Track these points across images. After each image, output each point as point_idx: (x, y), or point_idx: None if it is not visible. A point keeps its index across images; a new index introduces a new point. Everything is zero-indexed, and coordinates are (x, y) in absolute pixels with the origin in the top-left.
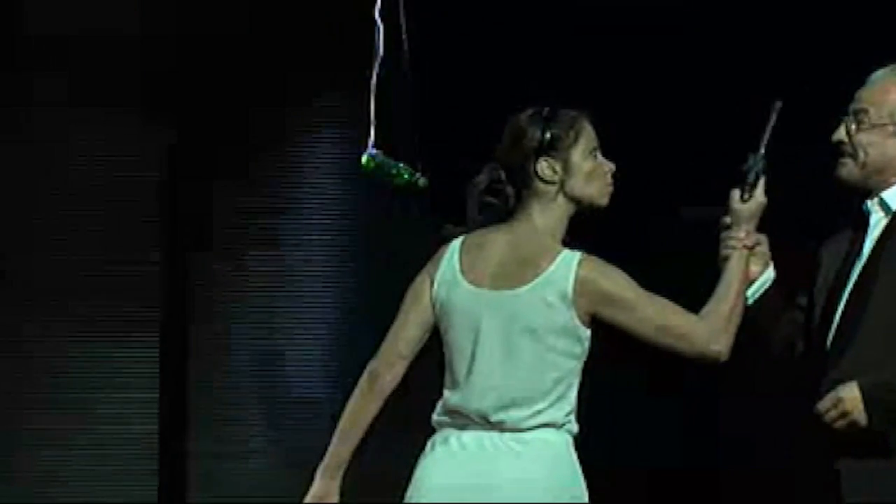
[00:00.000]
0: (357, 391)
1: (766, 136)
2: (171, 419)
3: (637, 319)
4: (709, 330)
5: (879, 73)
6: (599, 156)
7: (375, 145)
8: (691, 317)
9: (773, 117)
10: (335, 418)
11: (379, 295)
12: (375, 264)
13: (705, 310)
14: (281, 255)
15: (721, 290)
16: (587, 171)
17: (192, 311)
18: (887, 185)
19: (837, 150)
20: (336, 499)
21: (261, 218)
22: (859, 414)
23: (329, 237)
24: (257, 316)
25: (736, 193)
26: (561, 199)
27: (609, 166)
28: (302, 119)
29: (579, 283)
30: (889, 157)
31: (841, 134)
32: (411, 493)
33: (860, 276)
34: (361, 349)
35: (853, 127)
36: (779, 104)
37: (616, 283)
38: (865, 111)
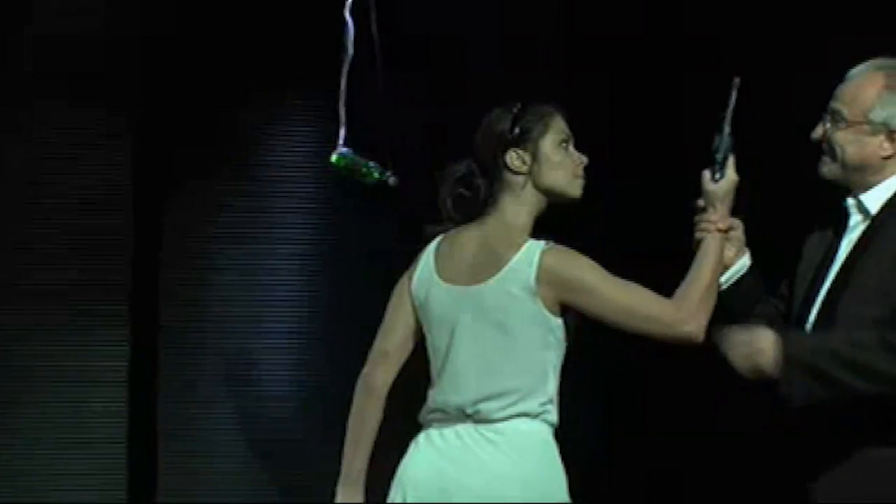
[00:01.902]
0: (354, 398)
1: (729, 114)
2: (141, 419)
3: (606, 305)
4: (681, 311)
5: (856, 71)
6: (571, 148)
7: (345, 144)
8: (662, 299)
9: (734, 94)
10: (307, 416)
11: (350, 292)
12: (346, 262)
13: (678, 291)
14: (251, 254)
15: (694, 271)
16: (556, 163)
17: (162, 309)
18: (867, 185)
19: (818, 148)
20: (361, 500)
21: (230, 216)
22: (767, 358)
23: (299, 235)
24: (227, 315)
25: (707, 174)
26: (530, 190)
27: (581, 159)
28: (272, 117)
29: (542, 272)
30: (866, 155)
31: (818, 132)
32: (395, 491)
33: (833, 281)
34: (332, 347)
35: (829, 125)
36: (738, 81)
37: (580, 269)
38: (841, 110)
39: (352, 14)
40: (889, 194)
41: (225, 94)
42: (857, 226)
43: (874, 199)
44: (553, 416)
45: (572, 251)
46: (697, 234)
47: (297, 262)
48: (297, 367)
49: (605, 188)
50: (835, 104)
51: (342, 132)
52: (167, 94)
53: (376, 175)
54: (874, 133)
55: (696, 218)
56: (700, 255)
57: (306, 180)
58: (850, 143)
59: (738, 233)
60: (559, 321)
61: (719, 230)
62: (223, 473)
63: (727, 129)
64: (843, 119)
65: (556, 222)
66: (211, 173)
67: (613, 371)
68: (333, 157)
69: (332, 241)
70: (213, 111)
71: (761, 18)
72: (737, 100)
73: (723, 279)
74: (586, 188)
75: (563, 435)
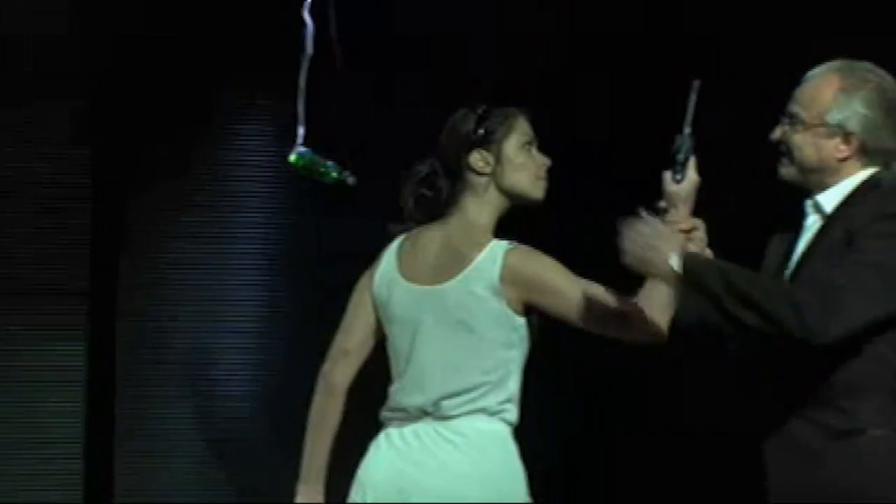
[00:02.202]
0: (314, 396)
1: (690, 115)
2: (98, 418)
3: (569, 305)
4: (645, 312)
5: (813, 73)
6: (534, 150)
7: (304, 143)
8: (626, 300)
9: (694, 96)
10: (265, 416)
11: (311, 291)
12: (307, 261)
13: (643, 292)
14: (211, 253)
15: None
16: (519, 164)
17: (120, 309)
18: (824, 186)
19: (777, 150)
20: (321, 499)
21: (191, 215)
22: (661, 259)
23: (259, 235)
24: (186, 313)
25: (668, 175)
26: (493, 191)
27: (544, 161)
28: (231, 117)
29: (506, 272)
30: (823, 157)
31: (777, 134)
32: (355, 491)
33: (790, 280)
34: (292, 346)
35: (787, 128)
36: (697, 82)
37: (545, 269)
38: (798, 112)
39: (311, 14)
40: (844, 194)
41: (186, 94)
42: (813, 225)
43: (830, 200)
44: (512, 414)
45: (536, 251)
46: None
47: (258, 261)
48: (256, 366)
49: (604, 187)
50: (792, 106)
51: (301, 131)
52: (129, 94)
53: (335, 174)
54: (830, 135)
55: (659, 219)
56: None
57: (268, 180)
58: (807, 146)
59: (700, 233)
60: (522, 320)
61: (681, 231)
62: (180, 473)
63: (688, 130)
64: (801, 121)
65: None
66: (171, 173)
67: (582, 370)
68: (292, 157)
69: (292, 240)
70: (175, 111)
71: (759, 19)
72: (697, 102)
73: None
74: (587, 188)
75: (529, 434)
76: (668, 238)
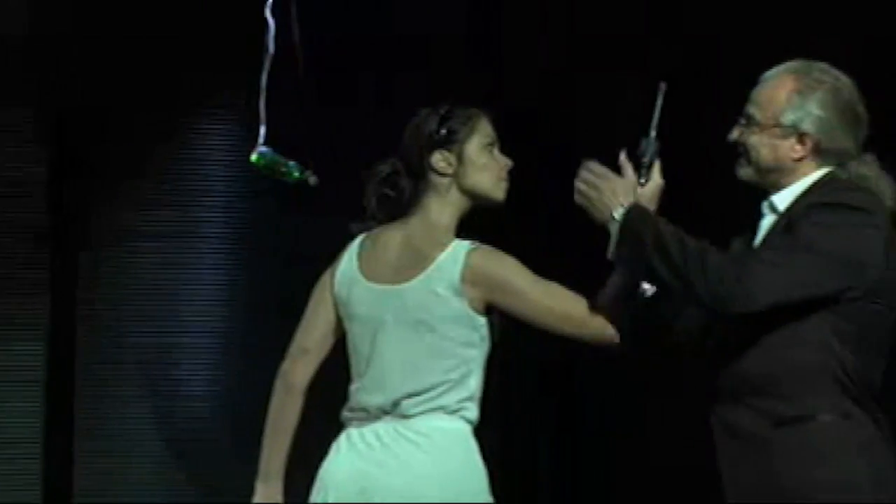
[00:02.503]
0: (273, 395)
1: (656, 118)
2: (57, 418)
3: (530, 305)
4: (601, 314)
5: (770, 73)
6: (496, 151)
7: (266, 143)
8: (584, 301)
9: (660, 99)
10: (225, 416)
11: (270, 290)
12: (267, 261)
13: (600, 294)
14: (172, 251)
15: (617, 274)
16: (481, 165)
17: (79, 308)
18: (780, 186)
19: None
20: (280, 499)
21: (152, 213)
22: (605, 204)
23: (219, 233)
24: (147, 312)
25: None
26: (455, 191)
27: (506, 162)
28: (194, 116)
29: (468, 271)
30: (779, 157)
31: (734, 135)
32: (316, 492)
33: None
34: (252, 346)
35: (744, 128)
36: (664, 86)
37: (506, 269)
38: (754, 113)
39: (273, 13)
40: (798, 193)
41: (148, 93)
42: (767, 225)
43: (784, 199)
44: (472, 413)
45: (498, 251)
46: None
47: (219, 260)
48: (216, 366)
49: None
50: (749, 107)
51: (262, 131)
52: (91, 92)
53: (296, 174)
54: (785, 136)
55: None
56: (619, 269)
57: (229, 179)
58: (763, 146)
59: None
60: (483, 320)
61: None
62: (140, 473)
63: (653, 133)
64: (756, 122)
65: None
66: (133, 172)
67: (543, 369)
68: (253, 157)
69: (253, 239)
70: (136, 109)
71: (755, 20)
72: (663, 105)
73: (647, 283)
74: None
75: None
76: (622, 191)
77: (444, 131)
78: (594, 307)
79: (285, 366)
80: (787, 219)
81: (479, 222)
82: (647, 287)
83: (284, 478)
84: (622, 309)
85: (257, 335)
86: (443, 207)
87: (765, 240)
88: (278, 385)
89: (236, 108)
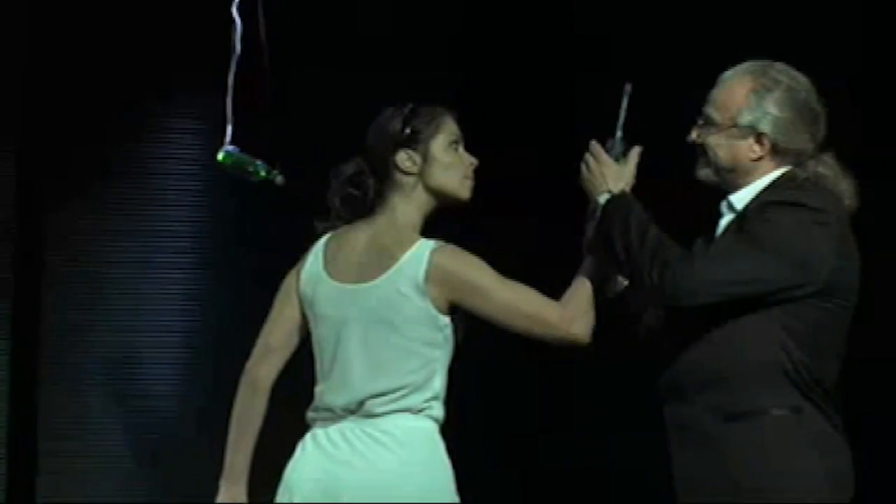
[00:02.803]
0: (238, 393)
1: (622, 118)
2: (21, 417)
3: (494, 305)
4: (568, 314)
5: (726, 74)
6: (461, 149)
7: (232, 142)
8: (550, 301)
9: (626, 100)
10: (191, 415)
11: (237, 289)
12: (233, 260)
13: (567, 294)
14: (138, 251)
15: (583, 273)
16: (446, 164)
17: (45, 307)
18: (738, 186)
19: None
20: (244, 499)
21: (118, 212)
22: (596, 185)
23: (186, 233)
24: (113, 311)
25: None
26: (420, 190)
27: (471, 160)
28: (160, 115)
29: (432, 271)
30: (737, 158)
31: (693, 136)
32: (282, 493)
33: None
34: (219, 343)
35: (703, 129)
36: (629, 87)
37: (471, 269)
38: (712, 114)
39: (240, 12)
40: (756, 192)
41: (113, 92)
42: (725, 224)
43: (742, 198)
44: (438, 412)
45: (463, 251)
46: (589, 235)
47: (183, 260)
48: (181, 365)
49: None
50: (707, 108)
51: (229, 130)
52: (55, 90)
53: (263, 174)
54: (743, 136)
55: (589, 221)
56: (589, 258)
57: (194, 178)
58: (721, 147)
59: None
60: (447, 320)
61: None
62: (104, 473)
63: (619, 133)
64: (714, 123)
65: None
66: (97, 172)
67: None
68: (220, 156)
69: (219, 239)
70: (101, 108)
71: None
72: (629, 105)
73: (615, 284)
74: None
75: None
76: (612, 177)
77: (408, 130)
78: (561, 308)
79: (250, 365)
80: (742, 217)
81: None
82: (621, 280)
83: (249, 478)
84: (590, 309)
85: (222, 334)
86: (408, 206)
87: (718, 237)
88: (243, 384)
89: (203, 107)
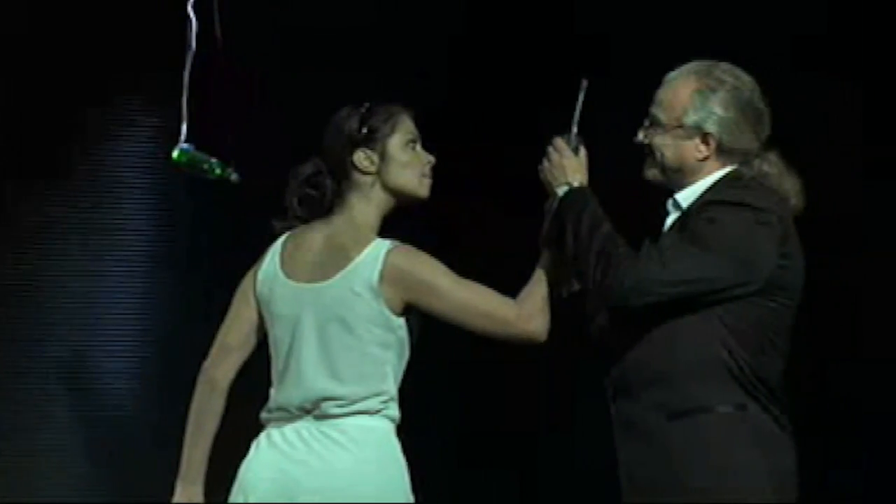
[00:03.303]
0: (195, 393)
1: (577, 114)
2: None
3: (450, 305)
4: (524, 311)
5: (672, 74)
6: (418, 148)
7: (188, 140)
8: (506, 299)
9: (582, 96)
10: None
11: (191, 290)
12: (186, 260)
13: (523, 292)
14: (92, 249)
15: (539, 271)
16: (404, 162)
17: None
18: (684, 185)
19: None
20: (201, 499)
21: (68, 212)
22: (556, 177)
23: (140, 232)
24: (68, 311)
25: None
26: (378, 189)
27: (428, 158)
28: (116, 113)
29: (387, 271)
30: (683, 158)
31: (640, 136)
32: (236, 493)
33: None
34: (171, 345)
35: (649, 130)
36: (585, 82)
37: (425, 269)
38: (658, 114)
39: (195, 10)
40: (702, 191)
41: (66, 90)
42: (670, 223)
43: (687, 197)
44: (394, 411)
45: (418, 251)
46: (545, 233)
47: (137, 261)
48: (135, 367)
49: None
50: (653, 109)
51: (184, 128)
52: (6, 90)
53: (218, 171)
54: (689, 136)
55: (547, 218)
56: (546, 254)
57: (149, 178)
58: (668, 148)
59: None
60: (401, 321)
61: None
62: (56, 473)
63: (574, 129)
64: (660, 123)
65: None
66: (49, 172)
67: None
68: (175, 153)
69: (173, 238)
70: (53, 107)
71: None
72: (584, 101)
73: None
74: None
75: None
76: (571, 170)
77: (365, 129)
78: (518, 305)
79: (207, 364)
80: (686, 215)
81: None
82: (575, 281)
83: (204, 477)
84: (547, 305)
85: (178, 336)
86: (366, 206)
87: (662, 236)
88: (199, 384)
89: (158, 105)
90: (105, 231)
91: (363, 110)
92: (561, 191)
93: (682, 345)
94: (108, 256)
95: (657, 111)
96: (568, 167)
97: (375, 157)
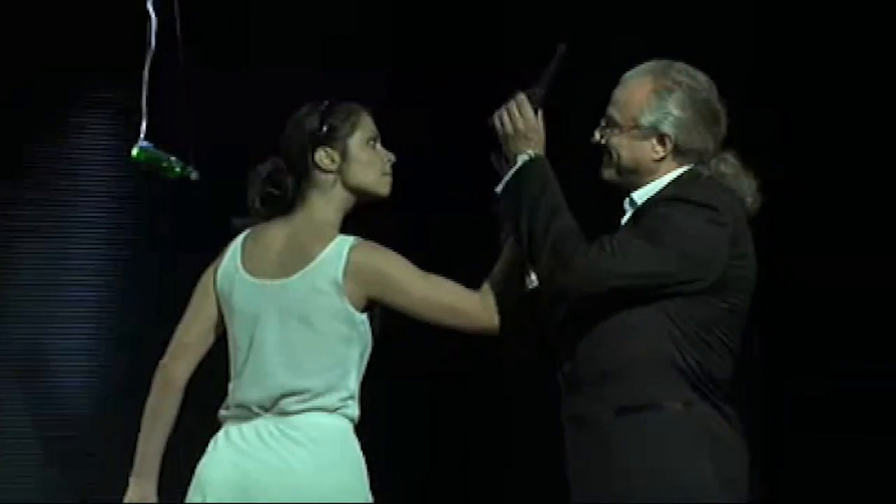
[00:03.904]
0: (151, 390)
1: (549, 75)
2: None
3: (414, 300)
4: (489, 304)
5: (628, 75)
6: (379, 146)
7: (147, 137)
8: (470, 293)
9: (556, 61)
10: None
11: (150, 288)
12: (146, 257)
13: (486, 283)
14: (51, 247)
15: (502, 263)
16: (364, 161)
17: None
18: (641, 185)
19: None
20: (154, 499)
21: (32, 209)
22: (514, 141)
23: (99, 230)
24: (22, 311)
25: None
26: (339, 188)
27: (389, 157)
28: (71, 111)
29: (350, 267)
30: (639, 159)
31: (596, 136)
32: (193, 491)
33: None
34: (128, 343)
35: (606, 130)
36: (563, 47)
37: (389, 265)
38: (614, 115)
39: (155, 8)
40: (657, 189)
41: (25, 88)
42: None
43: (643, 195)
44: (353, 410)
45: (381, 247)
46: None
47: (96, 258)
48: (93, 365)
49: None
50: (609, 109)
51: (143, 126)
52: None
53: (178, 170)
54: (645, 137)
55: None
56: (508, 247)
57: (108, 176)
58: (624, 148)
59: None
60: (363, 317)
61: None
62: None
63: (541, 90)
64: (617, 124)
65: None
66: (8, 168)
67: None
68: (134, 151)
69: (132, 237)
70: (12, 104)
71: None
72: (557, 68)
73: (532, 278)
74: None
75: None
76: (536, 139)
77: (325, 128)
78: (479, 297)
79: (164, 361)
80: (640, 212)
81: None
82: (534, 278)
83: (160, 477)
84: (509, 296)
85: (136, 334)
86: (327, 204)
87: (618, 231)
88: (157, 381)
89: (118, 103)
90: (62, 228)
91: (323, 109)
92: (520, 160)
93: (632, 341)
94: (66, 254)
95: (613, 111)
96: (528, 132)
97: (336, 156)
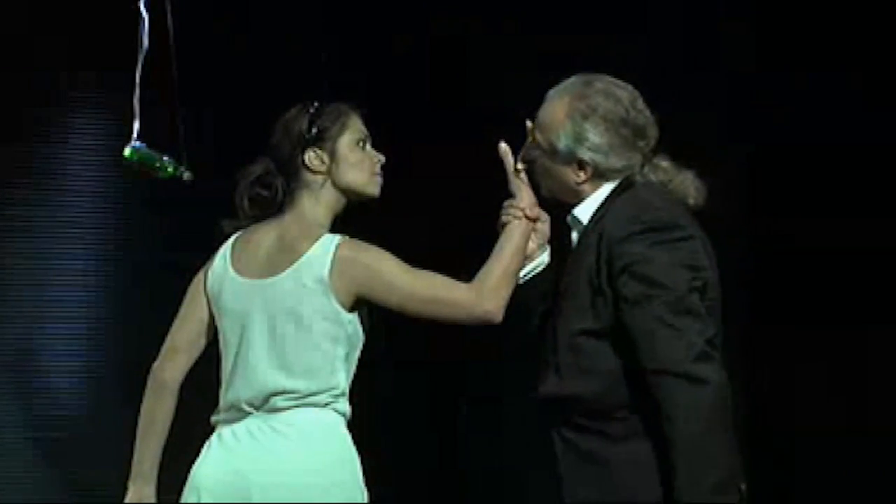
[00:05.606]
0: (145, 393)
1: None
2: None
3: (400, 294)
4: (479, 292)
5: (551, 92)
6: (368, 146)
7: (139, 138)
8: (458, 283)
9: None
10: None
11: (141, 287)
12: (138, 256)
13: (478, 274)
14: (43, 247)
15: (495, 252)
16: (354, 162)
17: None
18: (578, 202)
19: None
20: (153, 499)
21: (23, 209)
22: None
23: (89, 231)
24: (12, 310)
25: (511, 160)
26: (329, 189)
27: (378, 157)
28: (67, 111)
29: (337, 264)
30: (562, 183)
31: (520, 155)
32: (187, 493)
33: (553, 296)
34: (119, 344)
35: (529, 150)
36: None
37: (375, 260)
38: (537, 136)
39: (147, 7)
40: (597, 204)
41: (17, 88)
42: (576, 238)
43: (585, 211)
44: (343, 406)
45: (368, 244)
46: (503, 218)
47: (87, 257)
48: (83, 365)
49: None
50: (534, 128)
51: (136, 126)
52: None
53: (170, 170)
54: (565, 162)
55: (506, 203)
56: (503, 238)
57: (100, 175)
58: (545, 172)
59: (545, 227)
60: (351, 315)
61: (527, 217)
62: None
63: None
64: (539, 146)
65: None
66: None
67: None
68: (127, 152)
69: (123, 237)
70: (4, 105)
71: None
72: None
73: (522, 272)
74: None
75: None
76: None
77: (315, 129)
78: (468, 287)
79: (157, 364)
80: (598, 233)
81: None
82: (528, 269)
83: (156, 477)
84: (502, 284)
85: (129, 335)
86: (316, 205)
87: (578, 262)
88: (150, 384)
89: (109, 103)
90: (54, 228)
91: (312, 110)
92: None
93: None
94: (56, 256)
95: (536, 132)
96: (518, 210)
97: (326, 157)
